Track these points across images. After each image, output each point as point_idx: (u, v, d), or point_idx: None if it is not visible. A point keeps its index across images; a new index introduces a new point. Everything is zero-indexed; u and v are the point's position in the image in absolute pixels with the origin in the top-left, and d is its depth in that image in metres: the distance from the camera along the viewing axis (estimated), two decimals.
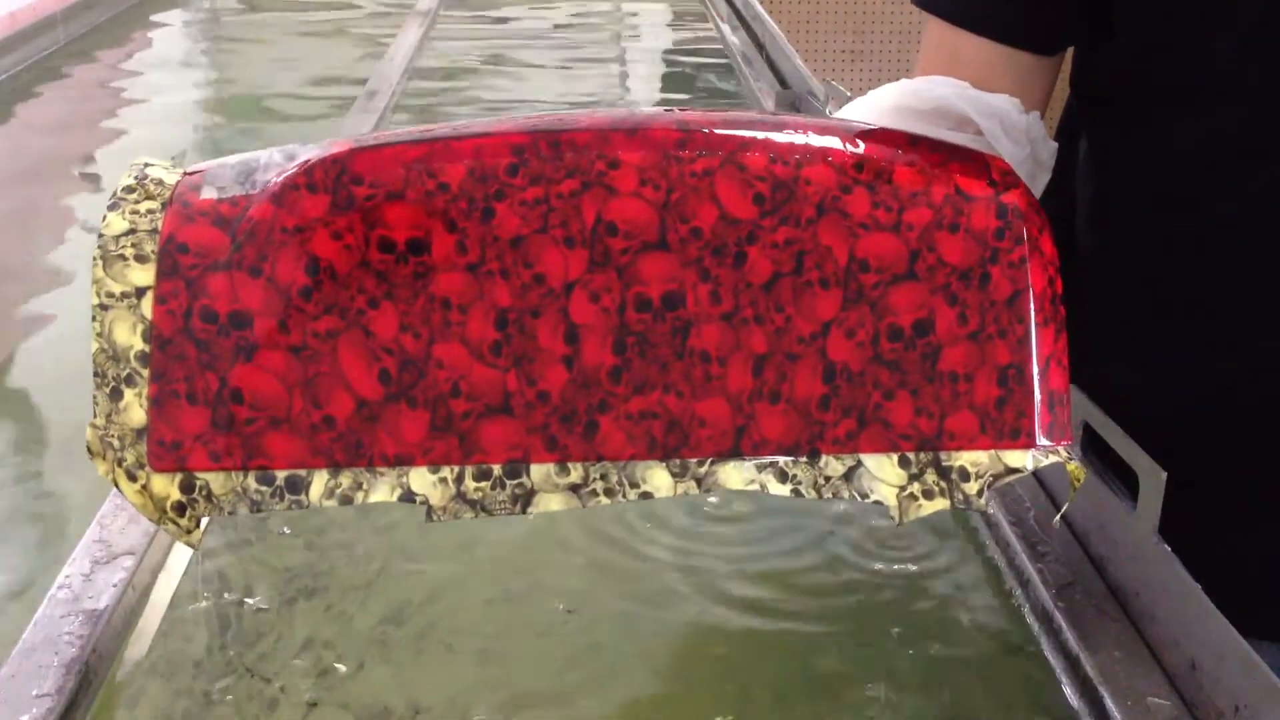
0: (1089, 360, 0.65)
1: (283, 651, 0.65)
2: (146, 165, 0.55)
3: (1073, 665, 0.61)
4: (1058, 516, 0.55)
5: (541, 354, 0.52)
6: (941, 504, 0.55)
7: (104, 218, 0.53)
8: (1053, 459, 0.55)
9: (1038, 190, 0.69)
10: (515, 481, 0.52)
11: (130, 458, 0.52)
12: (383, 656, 0.65)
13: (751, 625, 0.68)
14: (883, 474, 0.54)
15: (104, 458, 0.53)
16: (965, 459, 0.55)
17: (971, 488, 0.55)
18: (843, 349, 0.53)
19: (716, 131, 0.54)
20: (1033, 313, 0.55)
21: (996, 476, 0.55)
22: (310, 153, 0.54)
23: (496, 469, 0.52)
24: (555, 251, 0.52)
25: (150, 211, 0.53)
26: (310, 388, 0.52)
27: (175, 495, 0.53)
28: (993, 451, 0.55)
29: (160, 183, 0.54)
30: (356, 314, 0.52)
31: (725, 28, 2.46)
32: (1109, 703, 0.58)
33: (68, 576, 0.64)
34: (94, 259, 0.53)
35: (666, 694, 0.64)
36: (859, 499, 0.54)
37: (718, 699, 0.63)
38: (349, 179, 0.52)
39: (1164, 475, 0.59)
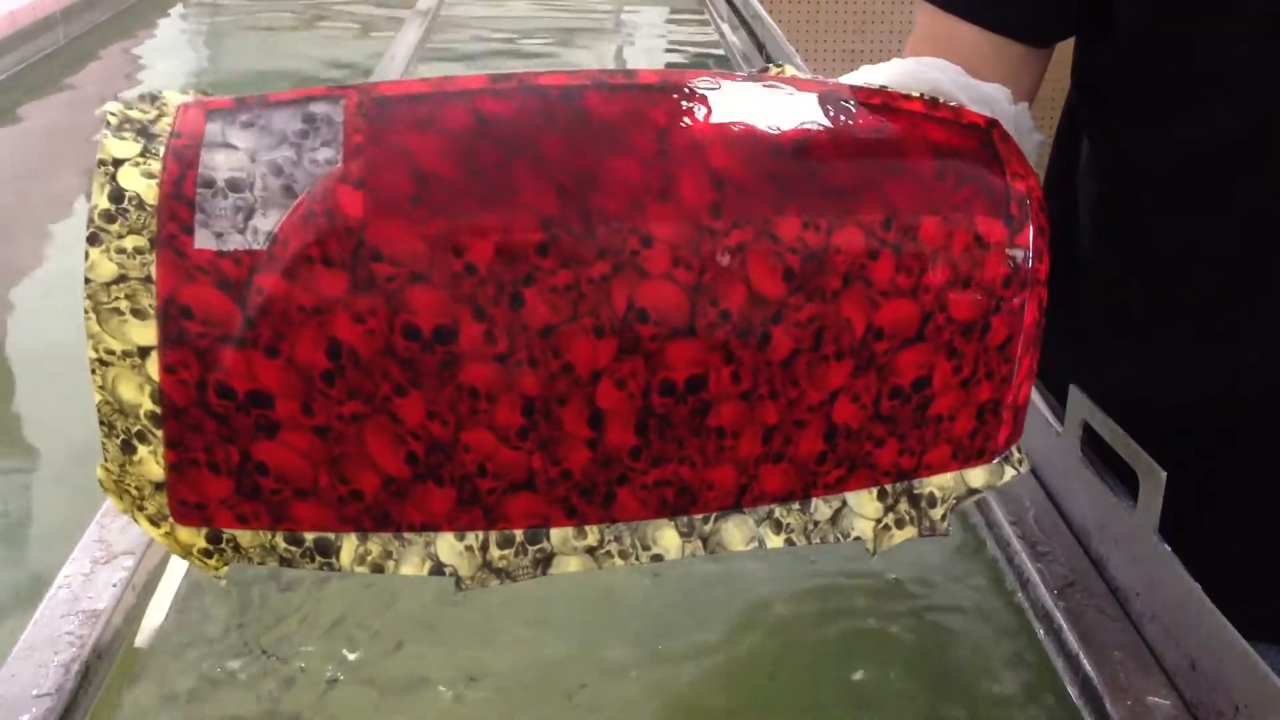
0: (1089, 360, 0.65)
1: (307, 633, 0.64)
2: (116, 166, 0.49)
3: (1073, 665, 0.61)
4: (1026, 466, 0.56)
5: (567, 438, 0.52)
6: (910, 532, 0.56)
7: (86, 254, 0.48)
8: (1009, 472, 0.57)
9: None
10: (536, 547, 0.53)
11: (151, 508, 0.51)
12: (427, 637, 0.64)
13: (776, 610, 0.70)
14: (863, 509, 0.55)
15: (120, 498, 0.51)
16: (934, 484, 0.56)
17: (937, 513, 0.56)
18: (846, 411, 0.53)
19: (751, 180, 0.51)
20: (1020, 351, 0.55)
21: (959, 499, 0.56)
22: (311, 168, 0.50)
23: (519, 535, 0.53)
24: (585, 341, 0.50)
25: (139, 250, 0.49)
26: (336, 465, 0.51)
27: (201, 544, 0.51)
28: (957, 473, 0.56)
29: (140, 203, 0.49)
30: (382, 400, 0.50)
31: (725, 27, 2.45)
32: (1109, 703, 0.58)
33: (67, 576, 0.64)
34: (85, 309, 0.48)
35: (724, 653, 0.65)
36: (842, 539, 0.55)
37: (760, 661, 0.64)
38: (368, 254, 0.49)
39: (1164, 475, 0.59)
